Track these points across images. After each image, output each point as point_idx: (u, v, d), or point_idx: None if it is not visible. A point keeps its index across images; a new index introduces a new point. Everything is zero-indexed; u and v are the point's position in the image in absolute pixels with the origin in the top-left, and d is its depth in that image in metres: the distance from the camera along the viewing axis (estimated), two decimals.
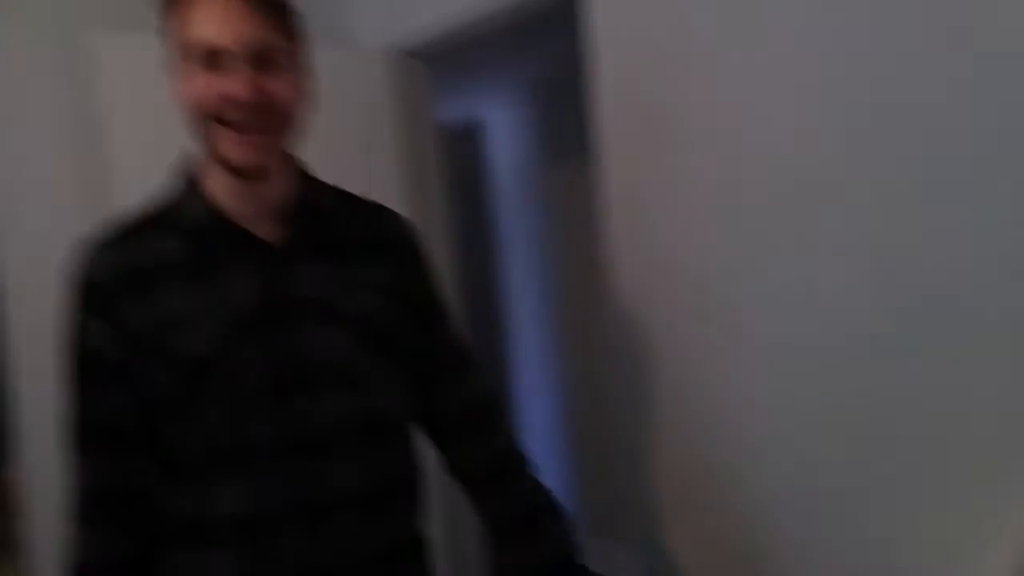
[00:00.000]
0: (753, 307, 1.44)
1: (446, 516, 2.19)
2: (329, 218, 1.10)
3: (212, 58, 0.96)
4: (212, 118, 0.98)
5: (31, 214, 1.98)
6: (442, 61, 2.40)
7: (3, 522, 2.35)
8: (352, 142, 2.19)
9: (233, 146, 0.98)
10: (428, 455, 1.22)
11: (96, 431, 1.02)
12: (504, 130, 3.66)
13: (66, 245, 1.96)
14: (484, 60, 3.29)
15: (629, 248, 1.67)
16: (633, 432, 1.71)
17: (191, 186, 1.05)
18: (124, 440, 1.02)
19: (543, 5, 1.89)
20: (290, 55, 1.02)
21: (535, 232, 3.53)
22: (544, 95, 3.40)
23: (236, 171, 1.00)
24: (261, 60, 0.97)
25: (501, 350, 3.70)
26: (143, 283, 1.00)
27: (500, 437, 1.22)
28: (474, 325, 2.81)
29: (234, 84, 0.96)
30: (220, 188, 1.04)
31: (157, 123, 1.84)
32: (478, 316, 3.42)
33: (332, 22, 2.38)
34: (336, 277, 1.07)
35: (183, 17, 0.98)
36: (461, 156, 3.67)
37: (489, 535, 1.20)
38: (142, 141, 1.85)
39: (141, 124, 1.87)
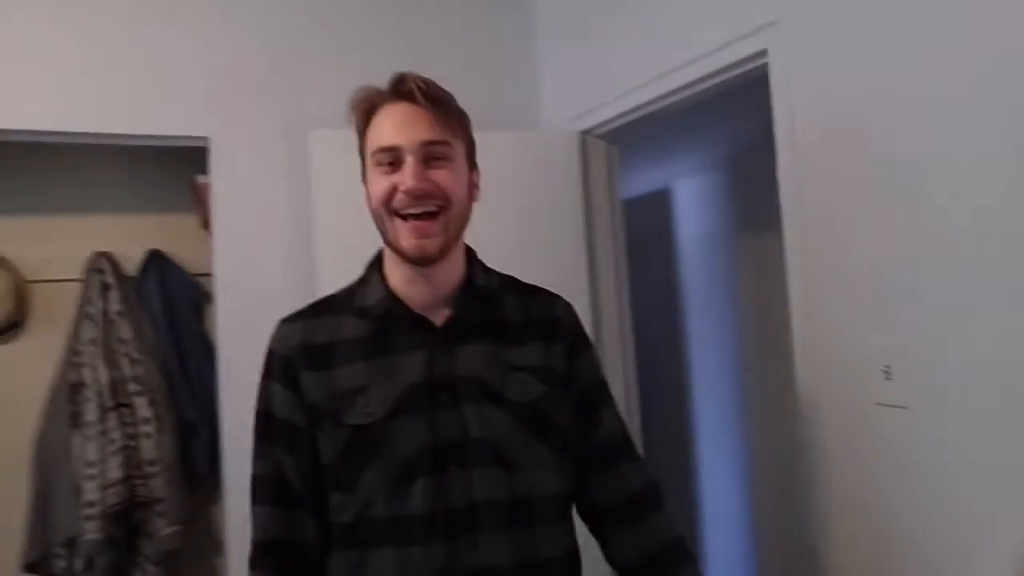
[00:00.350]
0: (945, 395, 1.32)
1: None
2: (491, 303, 1.17)
3: (389, 157, 1.08)
4: (387, 210, 1.09)
5: (246, 271, 2.23)
6: (629, 134, 2.45)
7: (208, 557, 2.62)
8: (541, 216, 2.29)
9: (405, 234, 1.09)
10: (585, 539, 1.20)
11: (269, 485, 1.13)
12: (693, 199, 3.63)
13: (271, 316, 2.21)
14: (672, 131, 3.31)
15: (810, 321, 1.61)
16: (815, 525, 1.60)
17: (374, 275, 1.17)
18: (292, 497, 1.11)
19: (730, 81, 1.90)
20: (457, 151, 1.12)
21: (722, 301, 3.43)
22: (735, 164, 3.34)
23: (408, 257, 1.10)
24: (430, 156, 1.09)
25: (682, 422, 3.59)
26: (323, 358, 1.12)
27: (659, 530, 1.19)
28: (654, 395, 2.74)
29: (405, 176, 1.07)
30: (397, 276, 1.14)
31: (353, 205, 2.08)
32: (659, 385, 3.35)
33: (526, 107, 2.55)
34: (495, 359, 1.12)
35: (369, 129, 1.12)
36: (648, 224, 3.67)
37: None
38: (343, 226, 2.06)
39: (342, 211, 2.08)
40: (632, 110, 2.19)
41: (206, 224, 2.59)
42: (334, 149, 2.14)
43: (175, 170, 2.64)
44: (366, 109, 1.12)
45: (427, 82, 1.11)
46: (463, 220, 1.14)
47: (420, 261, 1.10)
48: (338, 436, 1.08)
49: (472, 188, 1.16)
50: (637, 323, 2.53)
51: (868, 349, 1.46)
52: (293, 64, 2.30)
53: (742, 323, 3.31)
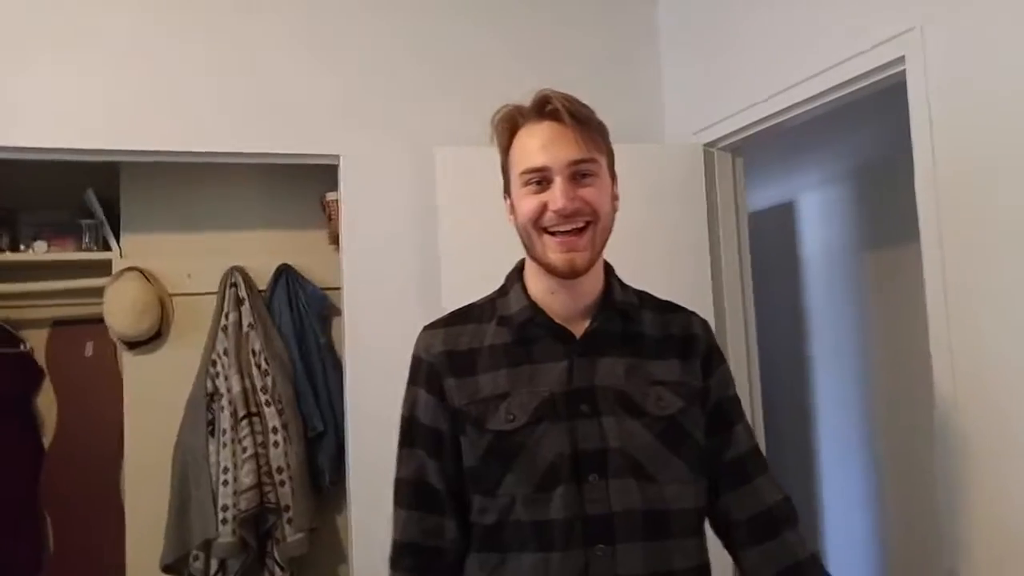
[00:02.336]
0: None
1: None
2: (629, 317, 1.26)
3: (537, 177, 1.18)
4: (536, 227, 1.20)
5: (373, 284, 2.43)
6: (752, 146, 2.53)
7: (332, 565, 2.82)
8: (665, 230, 2.39)
9: (553, 248, 1.19)
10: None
11: (411, 489, 1.24)
12: (818, 212, 3.63)
13: (397, 328, 2.38)
14: (798, 143, 3.34)
15: (951, 339, 1.63)
16: (957, 548, 1.62)
17: (516, 285, 1.28)
18: (434, 500, 1.23)
19: (865, 90, 1.95)
20: (601, 167, 1.22)
21: (848, 317, 3.42)
22: (862, 177, 3.33)
23: (557, 271, 1.20)
24: (577, 175, 1.18)
25: (805, 442, 3.57)
26: (466, 364, 1.23)
27: (794, 546, 1.25)
28: (776, 414, 2.76)
29: (554, 196, 1.17)
30: (539, 287, 1.25)
31: (476, 220, 2.25)
32: (781, 404, 3.36)
33: (649, 120, 2.68)
34: (635, 372, 1.21)
35: (516, 150, 1.22)
36: (771, 238, 3.70)
37: None
38: (468, 240, 2.26)
39: (466, 226, 2.28)
40: (759, 121, 2.27)
41: (335, 239, 2.83)
42: (458, 166, 2.34)
43: (305, 188, 2.89)
44: (509, 127, 1.23)
45: (571, 100, 1.19)
46: (608, 233, 1.23)
47: (568, 274, 1.19)
48: (481, 441, 1.19)
49: (613, 199, 1.25)
50: (758, 340, 2.58)
51: (1016, 368, 1.48)
52: (420, 84, 2.50)
53: (868, 340, 3.29)
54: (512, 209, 1.25)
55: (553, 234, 1.18)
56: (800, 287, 3.73)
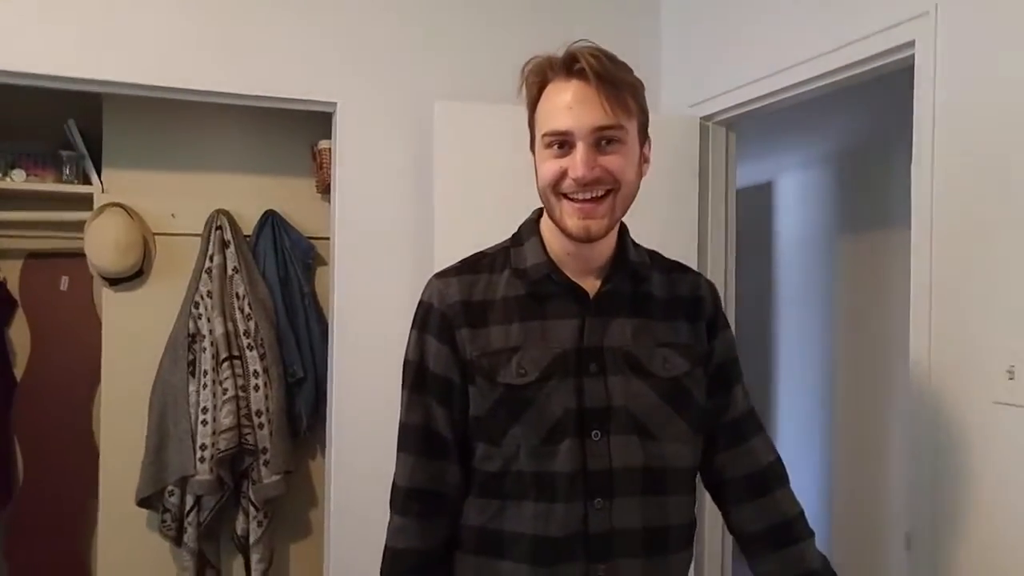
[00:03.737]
0: None
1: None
2: (639, 277, 1.26)
3: (559, 141, 1.14)
4: (554, 192, 1.15)
5: (364, 235, 2.40)
6: (739, 125, 2.53)
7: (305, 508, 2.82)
8: (654, 200, 2.32)
9: (571, 213, 1.15)
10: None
11: (419, 435, 1.22)
12: (795, 194, 3.66)
13: (386, 279, 2.34)
14: (781, 126, 3.35)
15: (931, 319, 1.68)
16: (920, 520, 1.68)
17: (533, 237, 1.25)
18: (440, 447, 1.22)
19: (870, 72, 1.95)
20: (629, 132, 1.15)
21: (816, 298, 3.48)
22: (841, 163, 3.36)
23: (570, 235, 1.18)
24: (601, 140, 1.13)
25: (764, 419, 3.66)
26: (479, 315, 1.20)
27: (784, 504, 1.29)
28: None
29: (575, 163, 1.12)
30: (556, 244, 1.23)
31: (473, 176, 2.21)
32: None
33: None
34: (643, 333, 1.22)
35: (542, 108, 1.17)
36: (747, 217, 3.73)
37: None
38: (460, 189, 2.25)
39: (462, 182, 2.26)
40: (759, 98, 2.27)
41: (323, 188, 2.77)
42: (458, 121, 2.30)
43: (294, 134, 2.83)
44: (538, 81, 1.16)
45: (600, 58, 1.12)
46: (630, 200, 1.20)
47: (583, 240, 1.16)
48: (491, 393, 1.17)
49: (642, 163, 1.20)
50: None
51: (993, 349, 1.53)
52: (423, 36, 2.45)
53: (833, 322, 3.36)
54: (536, 169, 1.21)
55: (572, 199, 1.15)
56: (772, 267, 3.78)
